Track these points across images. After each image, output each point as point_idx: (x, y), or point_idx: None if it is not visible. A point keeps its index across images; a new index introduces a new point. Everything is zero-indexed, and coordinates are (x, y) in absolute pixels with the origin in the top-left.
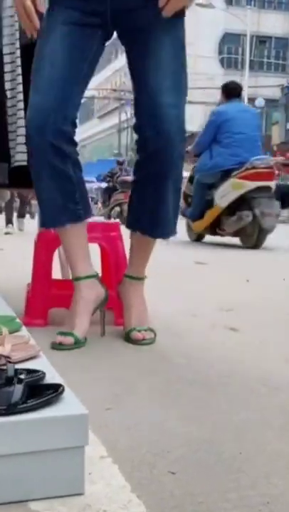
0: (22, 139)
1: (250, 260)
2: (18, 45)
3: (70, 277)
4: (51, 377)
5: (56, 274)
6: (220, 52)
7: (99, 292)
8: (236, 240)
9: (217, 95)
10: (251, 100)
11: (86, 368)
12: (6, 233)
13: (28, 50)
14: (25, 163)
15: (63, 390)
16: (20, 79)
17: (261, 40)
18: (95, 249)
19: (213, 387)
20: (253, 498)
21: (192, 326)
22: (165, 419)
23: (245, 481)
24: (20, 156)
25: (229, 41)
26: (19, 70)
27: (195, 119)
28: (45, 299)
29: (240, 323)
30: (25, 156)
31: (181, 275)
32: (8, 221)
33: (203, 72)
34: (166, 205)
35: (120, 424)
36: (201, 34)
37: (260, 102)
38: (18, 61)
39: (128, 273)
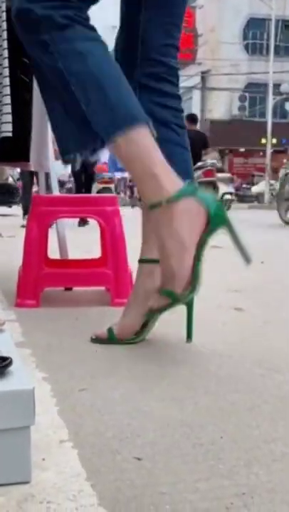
0: (7, 108)
1: (268, 243)
2: (4, 17)
3: (69, 257)
4: (6, 351)
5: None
6: (244, 38)
7: None
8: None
9: (242, 82)
10: (276, 86)
11: (69, 348)
12: (23, 226)
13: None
14: (10, 135)
15: (10, 363)
16: (6, 53)
17: (287, 24)
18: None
19: (204, 368)
20: (227, 488)
21: (195, 305)
22: (142, 402)
23: (221, 470)
24: (5, 126)
25: (254, 26)
26: (5, 44)
27: (219, 106)
28: (38, 278)
29: (246, 303)
30: (10, 127)
31: None
32: (26, 211)
33: (227, 59)
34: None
35: (91, 406)
36: (225, 19)
37: (285, 87)
38: (4, 34)
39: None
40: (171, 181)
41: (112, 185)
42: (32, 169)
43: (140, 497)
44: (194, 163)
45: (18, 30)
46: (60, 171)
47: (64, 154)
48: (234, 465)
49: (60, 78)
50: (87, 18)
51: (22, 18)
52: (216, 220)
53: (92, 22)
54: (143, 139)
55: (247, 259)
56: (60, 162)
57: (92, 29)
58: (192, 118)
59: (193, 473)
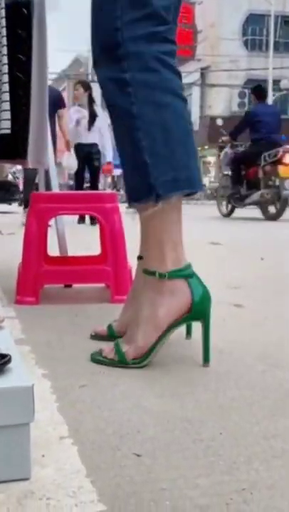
0: (6, 106)
1: (267, 240)
2: (3, 13)
3: (69, 254)
4: (6, 348)
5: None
6: (244, 34)
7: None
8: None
9: (241, 78)
10: (276, 82)
11: (69, 345)
12: (23, 224)
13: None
14: (8, 131)
15: (10, 360)
16: (4, 50)
17: (287, 20)
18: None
19: (205, 365)
20: (227, 484)
21: None
22: (142, 398)
23: (221, 466)
24: (4, 123)
25: (253, 22)
26: (4, 41)
27: (219, 102)
28: (37, 275)
29: (245, 300)
30: (8, 124)
31: (194, 255)
32: (26, 205)
33: (227, 55)
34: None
35: (91, 403)
36: (224, 15)
37: (285, 83)
38: (3, 31)
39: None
40: (174, 258)
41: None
42: (30, 166)
43: (140, 493)
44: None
45: (99, 58)
46: (74, 165)
47: (128, 200)
48: (234, 461)
49: (129, 121)
50: (175, 63)
51: (108, 48)
52: (196, 313)
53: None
54: (178, 207)
55: (206, 359)
56: (73, 157)
57: (178, 76)
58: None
59: (193, 469)
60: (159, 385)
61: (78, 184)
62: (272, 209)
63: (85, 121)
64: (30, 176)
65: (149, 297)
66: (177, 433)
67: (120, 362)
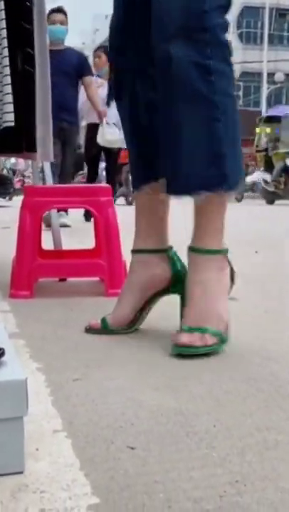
0: (9, 98)
1: (262, 232)
2: (2, 5)
3: (63, 248)
4: None
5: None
6: (238, 27)
7: (156, 273)
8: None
9: (236, 71)
10: (271, 75)
11: (63, 338)
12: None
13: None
14: (12, 124)
15: (3, 353)
16: (5, 42)
17: (281, 13)
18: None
19: (199, 358)
20: (220, 476)
21: None
22: (137, 391)
23: (215, 458)
24: (6, 116)
25: (248, 15)
26: (4, 33)
27: None
28: (31, 269)
29: (240, 293)
30: (12, 117)
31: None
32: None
33: None
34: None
35: (85, 396)
36: None
37: (279, 76)
38: (3, 23)
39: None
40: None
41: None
42: (37, 160)
43: (134, 486)
44: None
45: (175, 35)
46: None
47: (183, 191)
48: (228, 453)
49: (210, 111)
50: None
51: (192, 29)
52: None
53: (84, 9)
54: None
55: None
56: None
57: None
58: None
59: (187, 462)
60: (153, 378)
61: (92, 174)
62: None
63: (103, 95)
64: (66, 168)
65: (215, 274)
66: (171, 426)
67: (223, 342)
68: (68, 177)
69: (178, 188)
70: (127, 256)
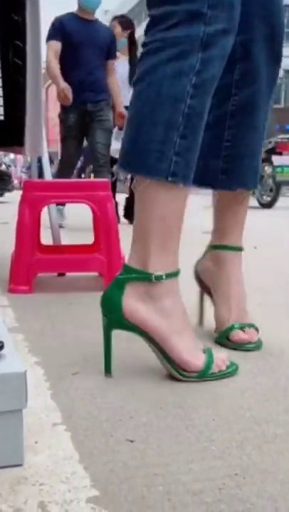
0: None
1: (261, 228)
2: None
3: (61, 243)
4: None
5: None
6: None
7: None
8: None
9: None
10: None
11: (62, 333)
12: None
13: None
14: (1, 118)
15: (2, 347)
16: None
17: None
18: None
19: None
20: (220, 469)
21: (186, 290)
22: (135, 385)
23: (214, 451)
24: None
25: None
26: None
27: None
28: (30, 264)
29: None
30: (1, 110)
31: (185, 244)
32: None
33: None
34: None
35: (84, 390)
36: None
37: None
38: None
39: (223, 242)
40: None
41: None
42: (26, 154)
43: (133, 478)
44: None
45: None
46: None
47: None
48: (227, 446)
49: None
50: None
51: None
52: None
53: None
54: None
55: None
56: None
57: None
58: None
59: (186, 455)
60: (151, 371)
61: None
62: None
63: (124, 75)
64: (101, 158)
65: (240, 271)
66: (170, 419)
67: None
68: (105, 170)
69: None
70: (126, 251)
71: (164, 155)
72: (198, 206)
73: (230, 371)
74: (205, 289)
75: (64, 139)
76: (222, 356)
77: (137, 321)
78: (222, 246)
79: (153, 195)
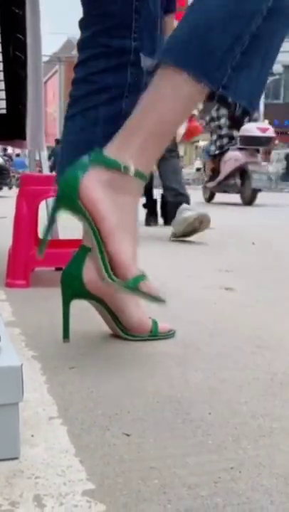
0: (1, 85)
1: (260, 225)
2: None
3: (59, 237)
4: None
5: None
6: None
7: None
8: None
9: None
10: None
11: (59, 327)
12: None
13: None
14: (4, 112)
15: None
16: None
17: None
18: None
19: (195, 346)
20: (215, 463)
21: (185, 285)
22: (132, 379)
23: (210, 445)
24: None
25: None
26: None
27: None
28: (28, 258)
29: (236, 283)
30: (3, 104)
31: (186, 239)
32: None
33: None
34: None
35: (80, 384)
36: None
37: (278, 68)
38: None
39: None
40: None
41: None
42: (28, 148)
43: (129, 472)
44: None
45: None
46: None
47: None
48: (223, 440)
49: None
50: None
51: None
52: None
53: None
54: None
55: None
56: None
57: None
58: None
59: (182, 449)
60: (148, 365)
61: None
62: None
63: None
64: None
65: None
66: (167, 413)
67: None
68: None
69: None
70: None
71: (224, 65)
72: (193, 202)
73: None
74: None
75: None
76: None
77: (91, 202)
78: None
79: (177, 93)
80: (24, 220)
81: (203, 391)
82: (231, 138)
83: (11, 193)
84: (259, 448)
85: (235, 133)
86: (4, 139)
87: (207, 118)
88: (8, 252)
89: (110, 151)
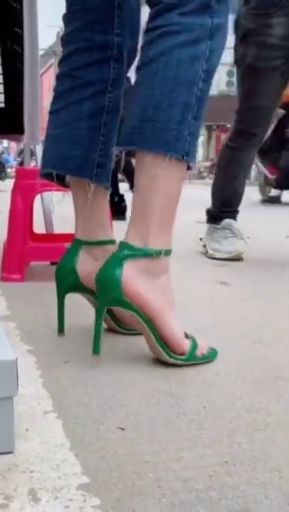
0: None
1: (255, 219)
2: None
3: (54, 231)
4: None
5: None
6: (233, 11)
7: None
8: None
9: (230, 56)
10: None
11: (54, 321)
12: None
13: None
14: (2, 105)
15: None
16: None
17: None
18: None
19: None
20: (210, 457)
21: (181, 279)
22: (126, 373)
23: (204, 439)
24: None
25: None
26: None
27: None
28: (22, 252)
29: (231, 278)
30: (2, 97)
31: (179, 234)
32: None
33: None
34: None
35: (75, 378)
36: None
37: None
38: None
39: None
40: None
41: None
42: (24, 141)
43: (123, 466)
44: None
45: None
46: None
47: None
48: (217, 434)
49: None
50: None
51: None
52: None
53: None
54: None
55: None
56: None
57: None
58: None
59: (177, 443)
60: (143, 360)
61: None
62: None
63: None
64: None
65: None
66: (161, 407)
67: None
68: None
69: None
70: (118, 239)
71: (181, 134)
72: (191, 198)
73: (212, 355)
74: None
75: None
76: (203, 341)
77: (136, 295)
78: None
79: (161, 172)
80: (19, 214)
81: (197, 385)
82: None
83: (7, 187)
84: (254, 442)
85: None
86: (3, 132)
87: None
88: (2, 246)
89: (133, 240)
